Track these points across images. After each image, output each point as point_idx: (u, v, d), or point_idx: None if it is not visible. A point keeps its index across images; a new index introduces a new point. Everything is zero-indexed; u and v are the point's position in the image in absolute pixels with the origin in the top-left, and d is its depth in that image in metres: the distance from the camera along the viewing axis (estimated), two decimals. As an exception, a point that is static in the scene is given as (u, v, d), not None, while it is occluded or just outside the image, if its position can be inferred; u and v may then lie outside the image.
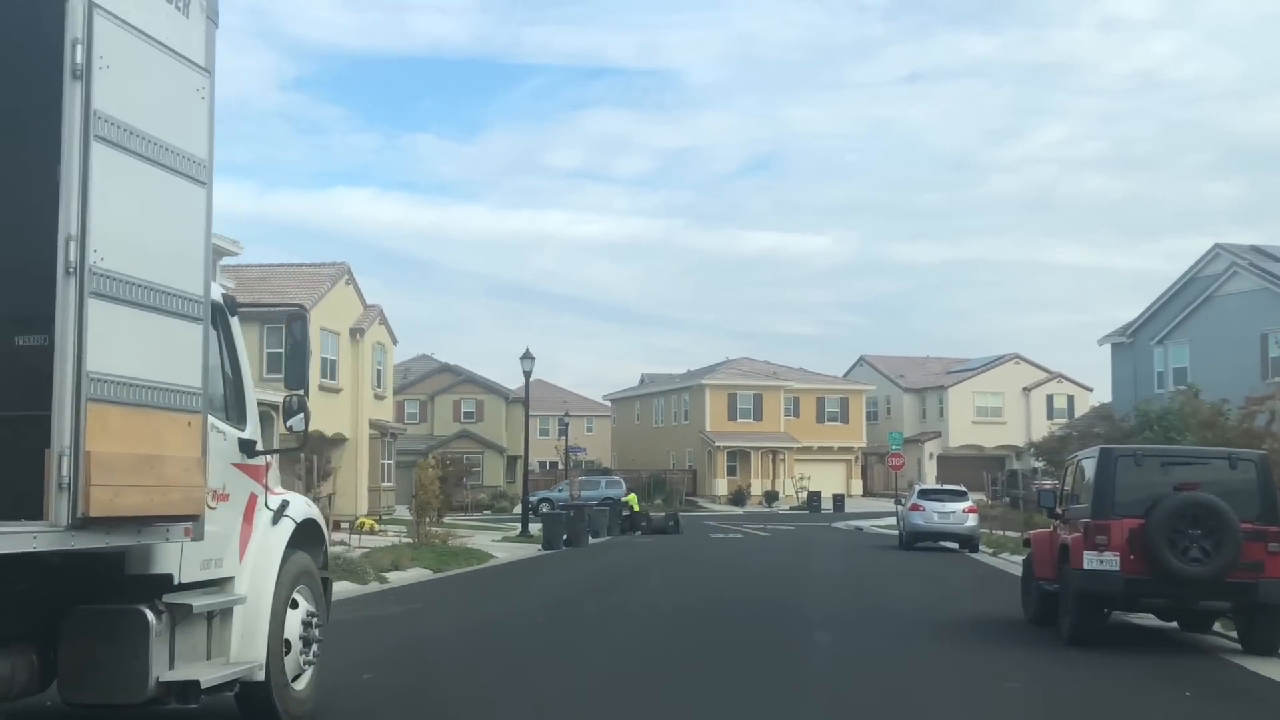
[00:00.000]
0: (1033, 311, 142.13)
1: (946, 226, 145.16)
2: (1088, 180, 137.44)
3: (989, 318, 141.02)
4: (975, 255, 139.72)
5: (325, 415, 42.71)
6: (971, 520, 34.87)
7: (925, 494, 35.56)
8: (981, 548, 34.84)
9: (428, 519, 28.58)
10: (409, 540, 28.79)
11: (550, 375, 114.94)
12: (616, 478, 70.93)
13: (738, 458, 78.67)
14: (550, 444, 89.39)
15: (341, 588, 20.25)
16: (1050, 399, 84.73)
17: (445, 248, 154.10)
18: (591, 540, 42.97)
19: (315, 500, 34.17)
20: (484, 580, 24.45)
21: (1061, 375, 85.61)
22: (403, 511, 52.99)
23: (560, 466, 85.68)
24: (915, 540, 35.22)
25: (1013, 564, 28.86)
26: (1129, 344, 51.24)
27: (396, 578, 23.32)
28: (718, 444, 77.25)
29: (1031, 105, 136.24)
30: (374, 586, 21.67)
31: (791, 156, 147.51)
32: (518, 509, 54.92)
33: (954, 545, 35.94)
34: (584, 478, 73.17)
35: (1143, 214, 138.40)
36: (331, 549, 25.79)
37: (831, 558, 31.76)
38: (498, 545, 35.23)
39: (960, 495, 35.71)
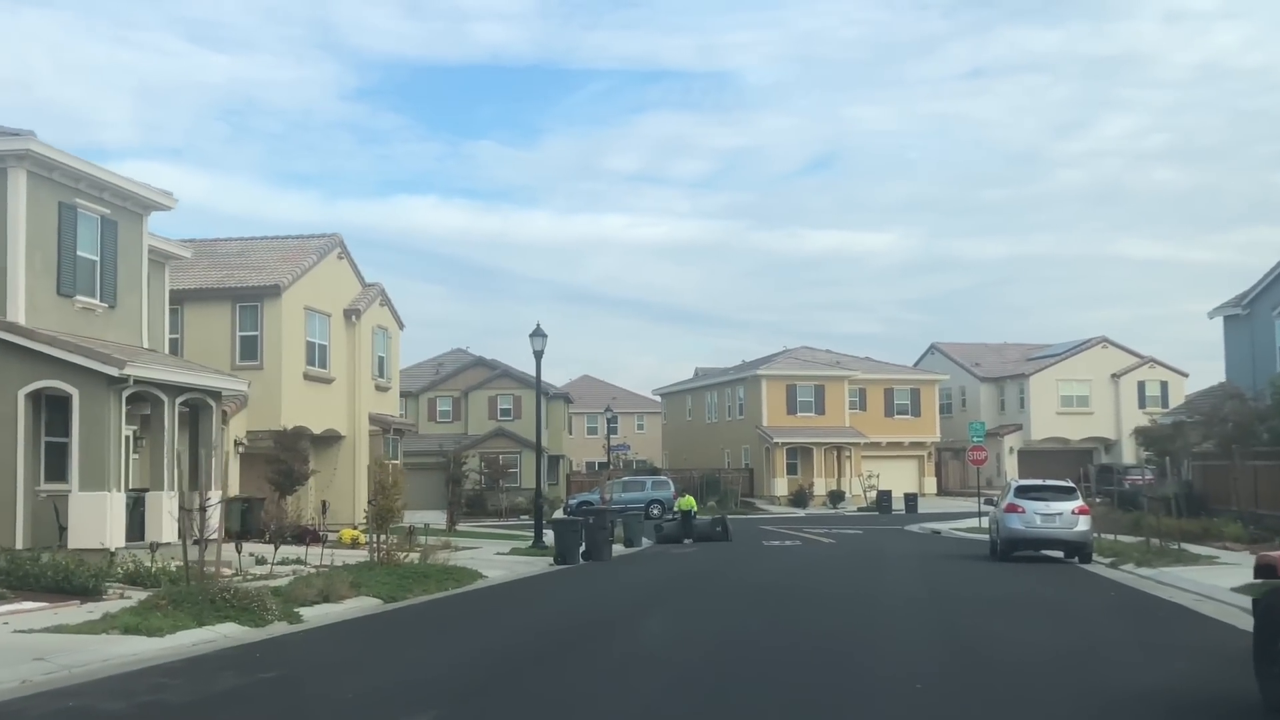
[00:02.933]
0: (1102, 306, 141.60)
1: (1011, 222, 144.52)
2: (1155, 173, 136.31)
3: (1057, 313, 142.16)
4: (1041, 250, 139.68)
5: (313, 409, 36.84)
6: (1083, 523, 28.17)
7: (1024, 491, 28.78)
8: (1095, 556, 28.23)
9: (385, 533, 22.35)
10: (381, 558, 22.57)
11: (611, 377, 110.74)
12: (664, 478, 64.76)
13: (798, 455, 71.98)
14: (599, 443, 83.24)
15: (218, 633, 14.28)
16: (1142, 386, 77.26)
17: (507, 253, 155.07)
18: (624, 550, 36.75)
19: (277, 507, 28.17)
20: (442, 615, 18.21)
21: (1154, 360, 78.10)
22: (411, 519, 47.07)
23: (611, 466, 79.60)
24: (1013, 548, 28.59)
25: (1148, 581, 22.30)
26: (1244, 316, 44.57)
27: (321, 614, 17.20)
28: (776, 440, 70.63)
29: (1096, 98, 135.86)
30: (274, 630, 15.58)
31: (853, 155, 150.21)
32: (556, 513, 49.17)
33: (1058, 553, 29.30)
34: (627, 478, 66.99)
35: (1212, 206, 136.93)
36: (276, 567, 19.74)
37: (910, 573, 25.22)
38: (500, 560, 29.05)
39: (1068, 493, 29.00)
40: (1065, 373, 77.38)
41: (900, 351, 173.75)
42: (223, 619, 15.47)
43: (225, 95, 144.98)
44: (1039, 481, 30.11)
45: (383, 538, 22.32)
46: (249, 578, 21.75)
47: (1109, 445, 77.48)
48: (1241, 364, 44.29)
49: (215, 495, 27.23)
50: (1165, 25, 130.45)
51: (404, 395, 73.70)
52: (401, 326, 44.17)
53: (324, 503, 38.72)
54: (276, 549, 25.07)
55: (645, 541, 40.54)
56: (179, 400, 24.27)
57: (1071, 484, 30.48)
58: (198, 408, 25.38)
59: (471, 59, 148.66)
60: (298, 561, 24.90)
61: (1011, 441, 76.52)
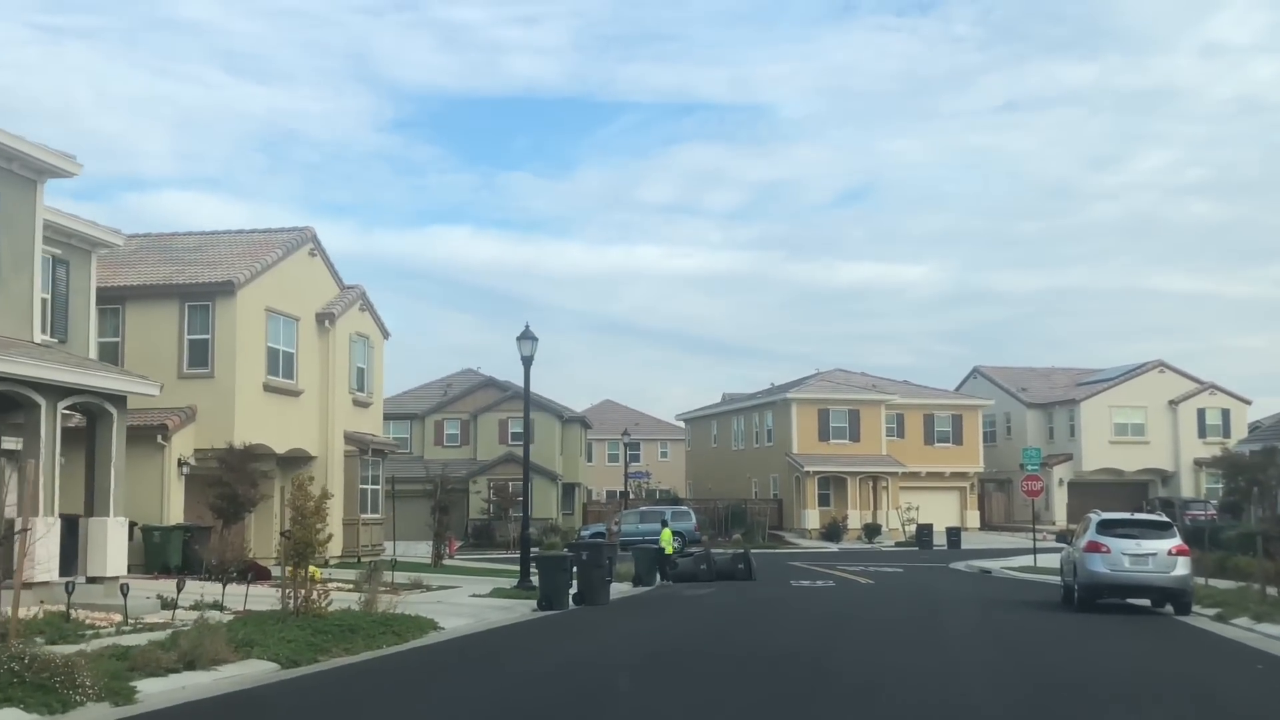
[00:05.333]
0: (1139, 340, 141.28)
1: (1047, 254, 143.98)
2: (1191, 206, 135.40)
3: (1093, 346, 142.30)
4: (1076, 283, 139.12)
5: (275, 425, 32.19)
6: (1182, 565, 23.03)
7: (1109, 527, 23.57)
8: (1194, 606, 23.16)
9: (302, 573, 17.44)
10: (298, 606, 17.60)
11: (639, 405, 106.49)
12: (685, 508, 59.70)
13: (831, 485, 66.76)
14: (620, 471, 78.20)
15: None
16: (1202, 414, 71.68)
17: (541, 284, 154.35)
18: (631, 590, 31.79)
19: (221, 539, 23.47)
20: (340, 695, 13.23)
21: (1215, 385, 72.55)
22: (390, 549, 42.19)
23: (631, 495, 74.72)
24: (1095, 595, 23.46)
25: (1269, 639, 17.27)
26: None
27: (170, 689, 12.43)
28: (807, 469, 65.46)
29: (1131, 132, 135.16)
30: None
31: (887, 187, 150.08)
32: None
33: (1146, 601, 24.21)
34: (644, 508, 61.97)
35: (1249, 239, 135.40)
36: (185, 613, 14.80)
37: (978, 633, 20.06)
38: (472, 604, 24.18)
39: (1163, 529, 23.82)
40: (1119, 399, 71.95)
41: (937, 382, 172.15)
42: (4, 702, 10.70)
43: (263, 126, 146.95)
44: (1127, 515, 24.88)
45: (303, 578, 17.42)
46: (136, 627, 17.10)
47: (1166, 477, 71.93)
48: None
49: (123, 523, 22.62)
50: (1202, 59, 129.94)
51: (410, 418, 69.26)
52: (386, 335, 39.48)
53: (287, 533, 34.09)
54: (220, 587, 20.55)
55: (657, 579, 35.64)
56: (63, 405, 19.58)
57: (1166, 519, 25.36)
58: (95, 416, 20.70)
59: (506, 91, 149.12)
60: (214, 605, 20.21)
61: (1061, 472, 71.05)
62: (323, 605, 17.15)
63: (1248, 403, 72.70)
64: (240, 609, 19.43)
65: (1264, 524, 33.20)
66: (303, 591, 17.17)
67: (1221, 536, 33.84)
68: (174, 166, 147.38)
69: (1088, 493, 69.94)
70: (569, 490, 71.15)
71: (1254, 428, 64.81)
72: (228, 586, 21.27)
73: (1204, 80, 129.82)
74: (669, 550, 34.94)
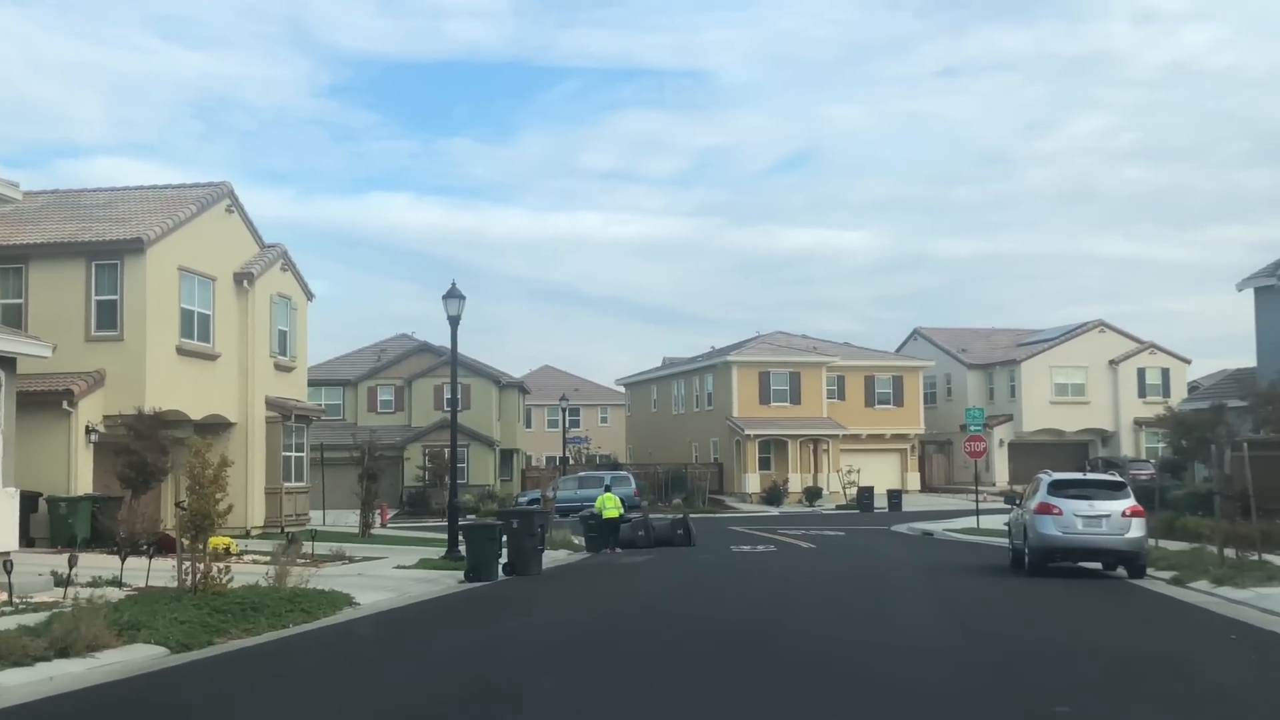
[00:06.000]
0: (1074, 303, 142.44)
1: (984, 220, 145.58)
2: (1124, 172, 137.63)
3: (1030, 310, 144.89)
4: (1013, 249, 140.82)
5: (191, 390, 30.64)
6: (1136, 527, 22.17)
7: (1061, 488, 22.63)
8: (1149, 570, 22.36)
9: (202, 546, 16.02)
10: (197, 582, 16.17)
11: (578, 370, 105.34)
12: (624, 473, 58.72)
13: (772, 448, 65.93)
14: (559, 437, 76.94)
15: None
16: (1142, 374, 71.56)
17: (482, 251, 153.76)
18: (567, 557, 30.63)
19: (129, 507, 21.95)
20: (222, 685, 11.89)
21: (1155, 345, 72.41)
22: (316, 518, 40.73)
23: (571, 461, 73.58)
24: (1047, 559, 22.57)
25: (1249, 610, 16.47)
26: (1280, 286, 39.02)
27: (28, 681, 11.07)
28: (748, 432, 64.58)
29: (1066, 98, 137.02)
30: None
31: (827, 153, 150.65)
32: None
33: (1097, 564, 23.38)
34: (583, 473, 60.89)
35: (1180, 205, 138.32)
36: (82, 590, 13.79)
37: (925, 599, 19.05)
38: (395, 576, 22.86)
39: (1117, 489, 22.93)
40: (1059, 359, 71.65)
41: (878, 347, 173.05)
42: None
43: (199, 92, 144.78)
44: (1079, 475, 23.99)
45: (198, 550, 15.99)
46: (19, 608, 15.66)
47: (1106, 437, 71.83)
48: (1276, 339, 38.76)
49: (13, 494, 21.08)
50: (1136, 25, 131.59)
51: (342, 384, 67.49)
52: (310, 297, 37.82)
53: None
54: (124, 560, 19.12)
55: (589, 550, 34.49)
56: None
57: (1120, 479, 24.49)
58: (-18, 379, 19.16)
59: (446, 56, 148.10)
60: (113, 582, 18.80)
61: (1001, 433, 70.70)
62: (223, 582, 15.75)
63: (1188, 362, 72.71)
64: (142, 586, 18.04)
65: (1214, 483, 32.62)
66: (201, 567, 15.75)
67: (1169, 496, 33.18)
68: (108, 133, 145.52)
69: (1028, 454, 69.70)
70: (507, 457, 69.86)
71: (1193, 388, 64.69)
72: (129, 561, 19.81)
73: (1137, 46, 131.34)
74: (613, 515, 33.70)
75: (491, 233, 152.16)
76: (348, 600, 17.89)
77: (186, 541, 16.09)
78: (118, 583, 18.77)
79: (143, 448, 25.96)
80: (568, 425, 76.13)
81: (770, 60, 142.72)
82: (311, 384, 62.84)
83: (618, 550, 32.96)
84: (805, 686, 10.85)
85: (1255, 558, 21.03)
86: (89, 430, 28.30)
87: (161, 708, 10.51)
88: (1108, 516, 22.06)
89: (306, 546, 25.73)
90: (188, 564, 16.01)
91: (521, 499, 55.41)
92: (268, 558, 23.94)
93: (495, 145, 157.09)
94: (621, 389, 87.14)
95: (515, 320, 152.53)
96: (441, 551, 27.32)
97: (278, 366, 35.23)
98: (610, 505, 33.93)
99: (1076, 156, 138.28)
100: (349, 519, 40.22)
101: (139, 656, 12.72)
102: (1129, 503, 22.33)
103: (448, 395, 66.12)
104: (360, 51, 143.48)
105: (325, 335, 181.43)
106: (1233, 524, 22.21)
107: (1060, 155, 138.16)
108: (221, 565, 16.10)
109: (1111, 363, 71.61)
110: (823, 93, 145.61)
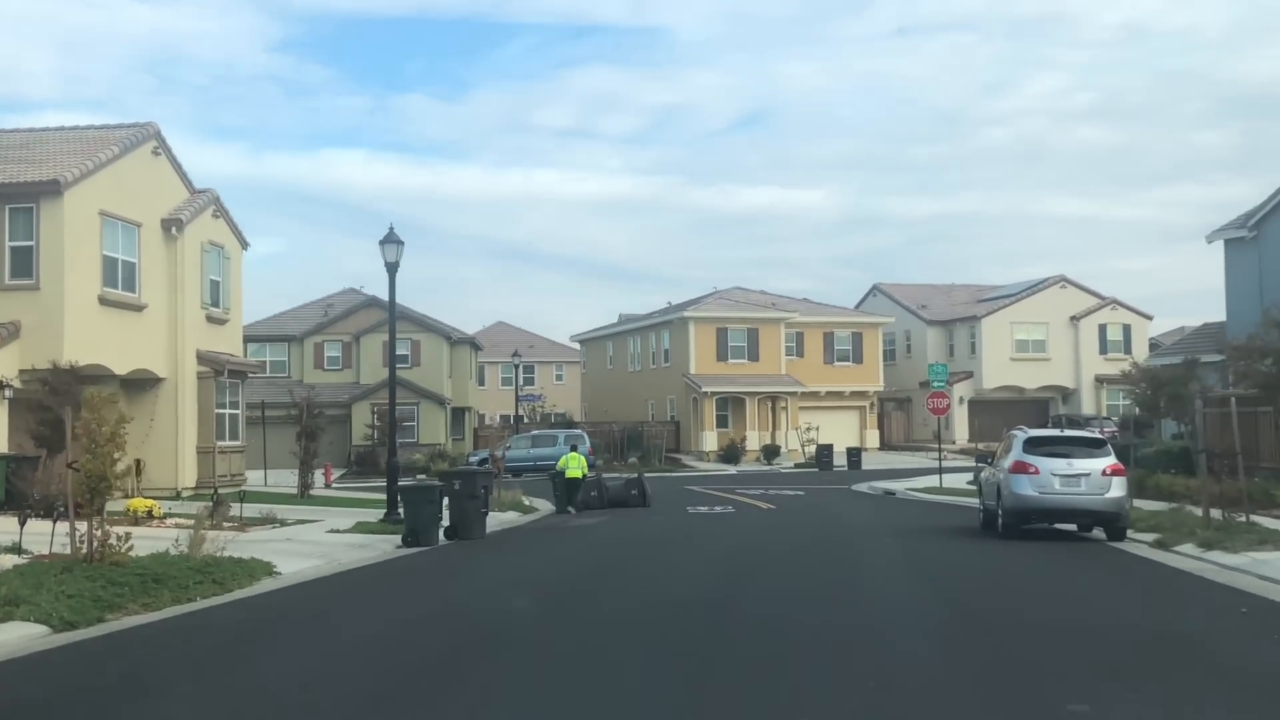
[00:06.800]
0: (1028, 263, 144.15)
1: (940, 180, 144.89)
2: (1079, 132, 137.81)
3: (986, 269, 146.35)
4: (969, 208, 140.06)
5: (115, 343, 28.88)
6: (1117, 487, 20.88)
7: (1037, 445, 21.27)
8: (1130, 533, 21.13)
9: (99, 512, 14.36)
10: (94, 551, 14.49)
11: (533, 327, 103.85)
12: (579, 432, 57.15)
13: (729, 406, 64.62)
14: (513, 395, 75.23)
15: None
16: (1103, 330, 70.72)
17: (439, 209, 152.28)
18: (516, 519, 29.17)
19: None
20: (99, 673, 10.25)
21: (1116, 301, 71.59)
22: (257, 479, 39.08)
23: (525, 419, 71.92)
24: (1022, 520, 21.27)
25: (1246, 577, 15.29)
26: (1251, 239, 38.09)
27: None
28: (705, 389, 63.19)
29: (1022, 57, 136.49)
30: None
31: (784, 112, 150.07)
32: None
33: (1071, 526, 22.14)
34: (536, 432, 59.36)
35: (1135, 164, 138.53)
36: None
37: (896, 568, 17.47)
38: (327, 541, 21.29)
39: (1096, 447, 21.62)
40: (1020, 315, 70.65)
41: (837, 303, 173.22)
42: None
43: (149, 47, 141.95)
44: (1055, 432, 22.59)
45: (95, 513, 14.34)
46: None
47: (1067, 394, 71.03)
48: (1246, 294, 37.70)
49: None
50: None
51: (287, 340, 65.43)
52: (245, 246, 35.88)
53: (138, 462, 30.77)
54: (23, 524, 17.35)
55: (548, 507, 33.09)
56: None
57: (1099, 435, 23.23)
58: None
59: (399, 11, 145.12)
60: (12, 549, 17.12)
61: (961, 390, 69.65)
62: (123, 550, 14.13)
63: (1149, 318, 71.97)
64: (46, 553, 16.37)
65: (1187, 440, 31.50)
66: (98, 534, 14.11)
67: (1139, 454, 32.05)
68: (57, 88, 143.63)
69: (989, 410, 68.95)
70: (459, 415, 68.17)
71: (1154, 346, 63.88)
72: (39, 526, 18.12)
73: (1093, 6, 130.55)
74: (575, 475, 32.36)
75: (447, 190, 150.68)
76: (268, 569, 16.32)
77: (79, 505, 14.42)
78: (17, 549, 17.09)
79: (58, 404, 24.07)
80: (521, 383, 74.47)
81: (727, 18, 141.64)
82: (254, 339, 61.37)
83: (570, 510, 31.65)
84: (771, 687, 9.30)
85: (1243, 519, 19.82)
86: (2, 386, 26.48)
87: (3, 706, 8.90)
88: (1087, 475, 20.76)
89: (235, 509, 24.12)
90: (83, 530, 14.35)
91: (472, 459, 53.81)
92: (192, 521, 22.31)
93: (450, 102, 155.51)
94: (577, 346, 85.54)
95: (471, 278, 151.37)
96: (381, 514, 25.78)
97: (210, 319, 33.38)
98: (574, 465, 32.62)
99: (1032, 116, 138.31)
100: (291, 480, 38.55)
101: (13, 637, 11.15)
102: (1109, 461, 21.04)
103: (398, 352, 64.58)
104: (313, 6, 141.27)
105: (279, 294, 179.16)
106: (1219, 483, 20.96)
107: (1016, 115, 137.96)
108: (122, 532, 14.45)
109: (1073, 319, 70.70)
110: (779, 51, 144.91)
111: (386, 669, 9.85)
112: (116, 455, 14.36)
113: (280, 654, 10.85)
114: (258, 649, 11.15)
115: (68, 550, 15.62)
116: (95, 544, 14.10)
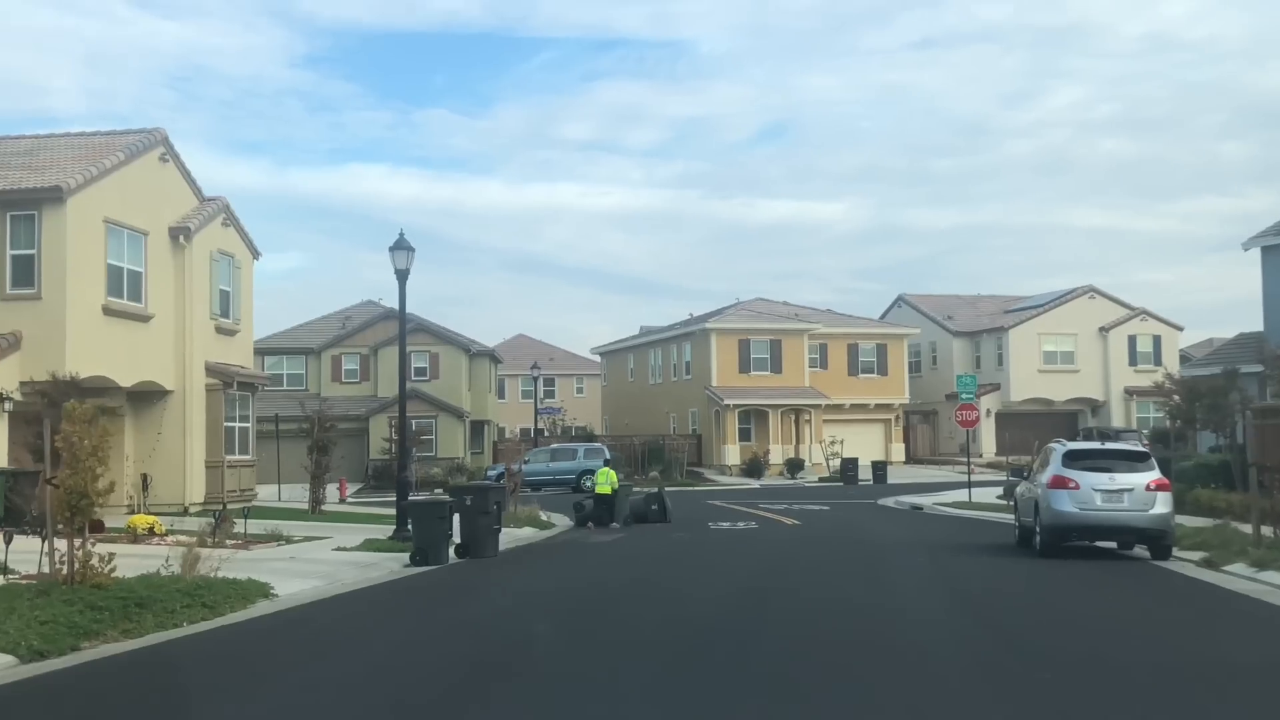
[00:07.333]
0: (1052, 275, 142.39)
1: (962, 192, 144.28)
2: (1102, 143, 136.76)
3: (1008, 282, 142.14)
4: (991, 220, 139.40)
5: (120, 354, 28.12)
6: (1162, 503, 19.83)
7: (1077, 459, 20.23)
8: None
9: (80, 532, 13.47)
10: (75, 573, 13.59)
11: (565, 344, 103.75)
12: (598, 445, 56.17)
13: (752, 418, 63.58)
14: (533, 408, 74.30)
15: None
16: (1133, 341, 69.33)
17: (460, 223, 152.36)
18: (534, 534, 28.23)
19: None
20: (55, 713, 9.38)
21: (1146, 311, 70.18)
22: (270, 494, 38.26)
23: (546, 433, 71.13)
24: (1061, 538, 20.21)
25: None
26: (1292, 244, 37.05)
27: None
28: (727, 402, 62.17)
29: (1044, 69, 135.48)
30: None
31: (806, 124, 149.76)
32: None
33: (1112, 543, 21.06)
34: (556, 445, 58.49)
35: (1158, 176, 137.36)
36: None
37: (933, 591, 16.42)
38: (333, 560, 20.37)
39: (1140, 460, 20.58)
40: (1048, 326, 69.36)
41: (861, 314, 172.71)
42: None
43: (173, 62, 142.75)
44: (1096, 445, 21.42)
45: (74, 532, 13.44)
46: None
47: (1096, 407, 69.64)
48: (1284, 302, 36.67)
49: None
50: None
51: (305, 353, 64.74)
52: (256, 255, 35.09)
53: (144, 477, 30.03)
54: (8, 542, 16.47)
55: (565, 522, 32.15)
56: None
57: (1143, 449, 22.15)
58: None
59: (423, 26, 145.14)
60: (1, 569, 16.27)
61: (989, 403, 68.34)
62: (106, 571, 13.23)
63: (1180, 329, 70.61)
64: (33, 573, 15.49)
65: (1228, 454, 30.35)
66: (79, 554, 13.22)
67: (1177, 468, 30.90)
68: (82, 103, 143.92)
69: (1016, 424, 67.45)
70: (478, 428, 67.33)
71: (1184, 359, 62.60)
72: (27, 544, 17.26)
73: (1116, 17, 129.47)
74: (605, 490, 31.47)
75: (469, 204, 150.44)
76: (264, 591, 15.40)
77: (60, 524, 13.54)
78: (3, 569, 16.25)
79: (56, 417, 23.30)
80: (541, 396, 73.61)
81: (748, 30, 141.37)
82: (271, 352, 60.75)
83: (593, 526, 30.83)
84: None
85: (1300, 538, 18.73)
86: (2, 398, 25.69)
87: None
88: (1130, 491, 19.71)
89: (239, 526, 23.26)
90: (62, 550, 13.46)
91: (490, 472, 52.92)
92: (195, 538, 21.43)
93: (473, 116, 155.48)
94: (598, 359, 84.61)
95: (492, 291, 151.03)
96: (392, 530, 24.86)
97: (219, 330, 32.57)
98: (603, 481, 31.79)
99: (1055, 128, 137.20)
100: (304, 495, 37.73)
101: (-14, 669, 10.25)
102: (1153, 475, 19.97)
103: (417, 364, 63.79)
104: (337, 21, 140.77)
105: (301, 307, 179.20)
106: (1272, 500, 19.86)
107: (1039, 126, 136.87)
108: (105, 552, 13.55)
109: (1101, 330, 69.40)
110: (801, 63, 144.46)
111: (376, 705, 8.89)
112: (99, 470, 13.45)
113: (260, 692, 9.89)
114: (236, 683, 10.20)
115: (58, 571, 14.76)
116: (76, 565, 13.20)
